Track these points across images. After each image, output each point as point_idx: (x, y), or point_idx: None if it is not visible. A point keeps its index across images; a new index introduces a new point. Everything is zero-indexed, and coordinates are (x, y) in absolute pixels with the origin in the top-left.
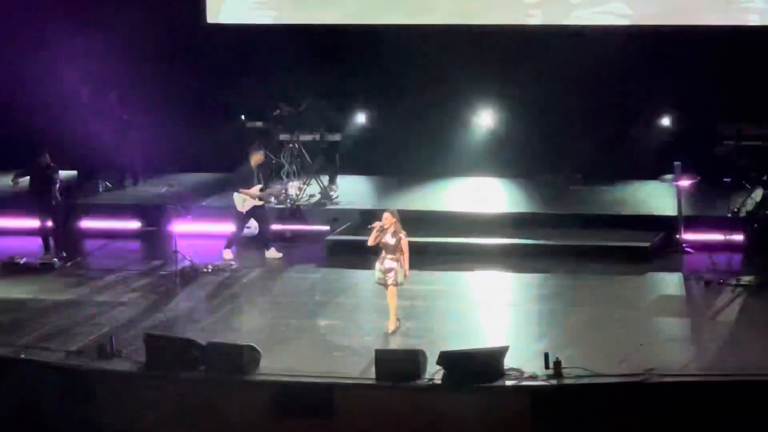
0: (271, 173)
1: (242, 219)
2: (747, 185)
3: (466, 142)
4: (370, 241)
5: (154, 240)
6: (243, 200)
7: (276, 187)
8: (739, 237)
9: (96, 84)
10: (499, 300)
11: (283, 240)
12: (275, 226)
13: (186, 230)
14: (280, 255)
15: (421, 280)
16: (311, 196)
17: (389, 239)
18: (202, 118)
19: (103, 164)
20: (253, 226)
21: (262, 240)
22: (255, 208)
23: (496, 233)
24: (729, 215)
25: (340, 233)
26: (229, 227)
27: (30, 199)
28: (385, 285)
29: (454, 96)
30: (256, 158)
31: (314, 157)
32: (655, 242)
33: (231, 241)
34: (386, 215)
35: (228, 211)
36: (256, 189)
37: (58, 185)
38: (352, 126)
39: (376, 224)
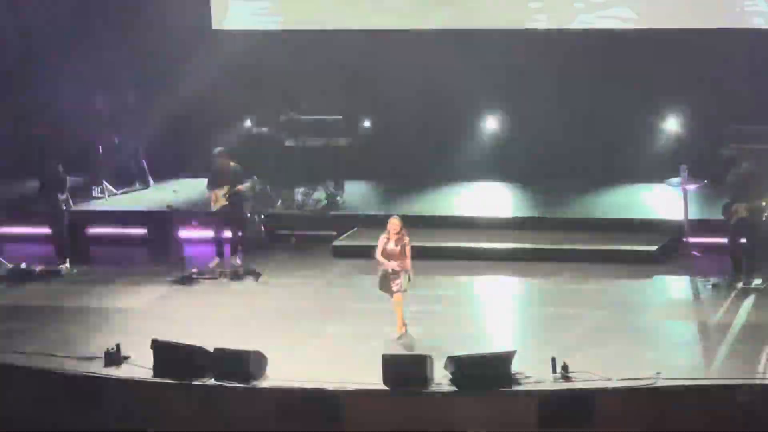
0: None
1: (215, 219)
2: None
3: (472, 147)
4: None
5: (160, 246)
6: (213, 200)
7: (239, 187)
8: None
9: (106, 92)
10: (506, 304)
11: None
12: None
13: (192, 236)
14: (239, 263)
15: (427, 285)
16: (317, 201)
17: (394, 245)
18: (207, 125)
19: (108, 170)
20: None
21: (231, 245)
22: (225, 211)
23: (503, 238)
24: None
25: (347, 239)
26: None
27: (39, 206)
28: (391, 291)
29: (459, 100)
30: (220, 162)
31: (320, 162)
32: (662, 246)
33: (218, 248)
34: (395, 221)
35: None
36: (220, 191)
37: (66, 194)
38: (358, 131)
39: (388, 265)
